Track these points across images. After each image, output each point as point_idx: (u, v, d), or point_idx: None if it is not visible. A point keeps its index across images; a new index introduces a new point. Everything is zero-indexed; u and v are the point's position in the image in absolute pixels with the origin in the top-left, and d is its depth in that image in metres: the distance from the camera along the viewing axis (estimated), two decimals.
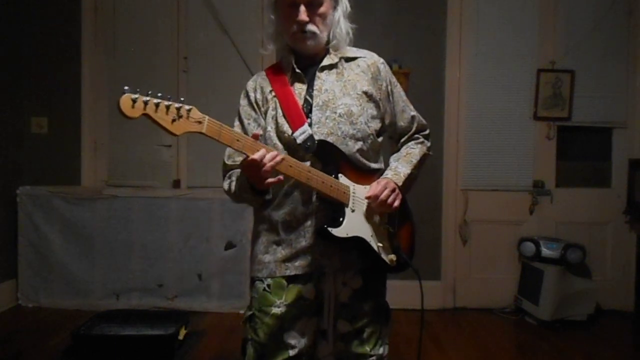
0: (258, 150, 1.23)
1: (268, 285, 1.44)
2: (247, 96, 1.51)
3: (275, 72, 1.49)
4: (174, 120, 1.13)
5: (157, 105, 1.10)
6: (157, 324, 2.86)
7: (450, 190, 3.73)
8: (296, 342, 1.43)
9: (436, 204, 3.74)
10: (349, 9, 1.49)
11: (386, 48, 3.61)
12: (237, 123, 1.50)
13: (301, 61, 1.47)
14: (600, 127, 3.77)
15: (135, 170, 3.83)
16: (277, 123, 1.42)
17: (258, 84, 1.50)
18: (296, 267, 1.42)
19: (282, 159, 1.25)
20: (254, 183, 1.31)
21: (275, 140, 1.42)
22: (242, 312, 3.46)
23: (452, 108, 3.71)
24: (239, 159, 1.40)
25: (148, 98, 1.09)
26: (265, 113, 1.46)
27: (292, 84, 1.46)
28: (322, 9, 1.41)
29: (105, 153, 3.85)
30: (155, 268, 3.54)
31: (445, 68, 3.69)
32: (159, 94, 1.12)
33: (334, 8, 1.46)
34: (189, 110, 1.16)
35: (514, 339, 3.28)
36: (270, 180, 1.26)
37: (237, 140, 1.22)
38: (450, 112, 3.71)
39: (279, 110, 1.42)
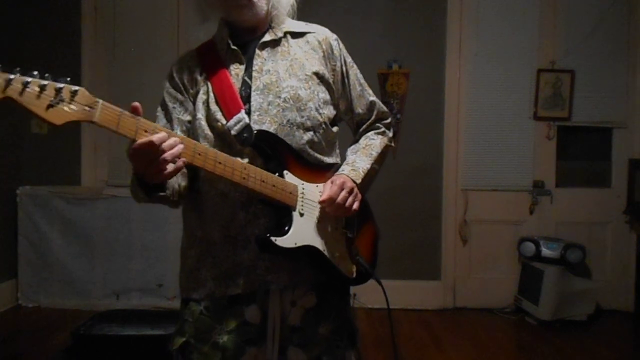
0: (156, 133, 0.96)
1: (206, 308, 1.21)
2: (172, 78, 1.25)
3: (207, 49, 1.26)
4: (50, 106, 0.85)
5: (25, 84, 0.82)
6: (157, 324, 2.86)
7: (450, 190, 3.73)
8: None
9: (436, 204, 3.74)
10: None
11: (386, 48, 3.62)
12: (159, 109, 1.25)
13: (238, 36, 1.24)
14: (600, 127, 3.77)
15: None
16: (208, 110, 1.18)
17: (185, 64, 1.25)
18: (237, 285, 1.18)
19: (183, 147, 0.99)
20: (143, 176, 1.02)
21: (207, 131, 1.18)
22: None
23: (452, 108, 3.71)
24: None
25: (13, 76, 0.81)
26: (195, 97, 1.22)
27: (227, 64, 1.22)
28: None
29: (105, 153, 3.85)
30: (155, 268, 3.54)
31: (445, 68, 3.69)
32: (35, 72, 0.85)
33: None
34: (74, 93, 0.88)
35: (514, 339, 3.28)
36: (169, 170, 0.98)
37: (145, 131, 0.96)
38: (450, 112, 3.71)
39: (212, 95, 1.19)
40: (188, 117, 1.22)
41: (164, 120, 1.23)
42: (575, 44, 3.67)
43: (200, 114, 1.19)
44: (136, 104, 0.96)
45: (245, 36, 1.24)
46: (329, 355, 1.25)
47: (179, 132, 1.18)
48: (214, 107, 1.18)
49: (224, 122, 1.15)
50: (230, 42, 1.22)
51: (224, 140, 1.16)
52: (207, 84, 1.21)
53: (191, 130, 1.21)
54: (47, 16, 3.71)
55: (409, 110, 3.67)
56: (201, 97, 1.21)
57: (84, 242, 3.55)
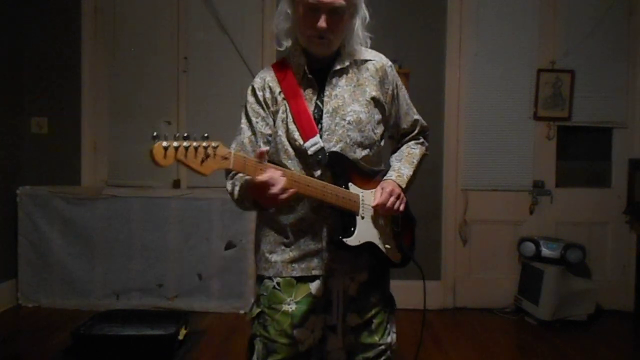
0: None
1: (277, 284, 1.46)
2: (255, 94, 1.47)
3: (284, 71, 1.47)
4: (202, 161, 1.12)
5: (186, 149, 1.09)
6: (157, 324, 2.86)
7: (450, 190, 3.73)
8: (306, 337, 1.46)
9: (436, 204, 3.74)
10: (368, 19, 1.48)
11: (386, 48, 3.57)
12: (244, 121, 1.47)
13: (312, 63, 1.46)
14: (600, 127, 3.77)
15: (135, 170, 3.82)
16: (287, 128, 1.41)
17: (266, 83, 1.47)
18: (303, 268, 1.45)
19: (292, 191, 1.24)
20: (259, 200, 1.29)
21: (287, 146, 1.42)
22: (242, 312, 3.45)
23: (452, 108, 3.71)
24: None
25: (177, 144, 1.08)
26: (275, 114, 1.45)
27: (302, 88, 1.44)
28: (342, 19, 1.40)
29: (105, 153, 3.85)
30: (155, 268, 3.54)
31: (445, 68, 3.69)
32: (185, 134, 1.11)
33: (353, 17, 1.45)
34: (215, 148, 1.14)
35: (514, 339, 3.28)
36: (282, 198, 1.23)
37: (261, 170, 1.22)
38: (450, 112, 3.71)
39: (290, 115, 1.41)
40: (269, 131, 1.45)
41: (249, 132, 1.45)
42: (575, 44, 3.67)
43: (281, 131, 1.43)
44: (262, 150, 1.23)
45: (317, 63, 1.46)
46: (378, 318, 1.54)
47: (261, 144, 1.42)
48: (292, 126, 1.41)
49: (302, 142, 1.39)
50: (307, 70, 1.44)
51: (300, 155, 1.41)
52: (285, 104, 1.43)
53: (272, 143, 1.44)
54: (47, 16, 3.71)
55: None
56: (280, 115, 1.43)
57: (84, 242, 3.55)
